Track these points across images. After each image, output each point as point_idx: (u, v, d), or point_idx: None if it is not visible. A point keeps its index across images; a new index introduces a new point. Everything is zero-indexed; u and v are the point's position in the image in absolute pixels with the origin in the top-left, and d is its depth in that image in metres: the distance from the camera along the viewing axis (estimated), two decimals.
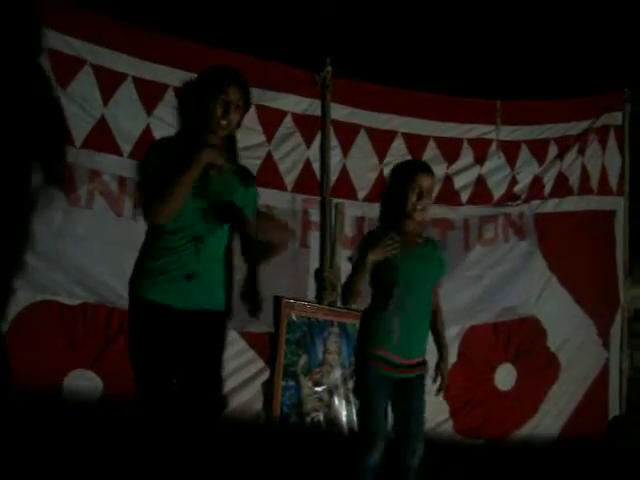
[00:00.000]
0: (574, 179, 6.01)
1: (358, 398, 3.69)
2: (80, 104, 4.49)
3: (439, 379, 3.65)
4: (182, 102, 3.33)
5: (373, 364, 3.49)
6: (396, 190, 3.56)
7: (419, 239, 3.60)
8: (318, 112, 5.18)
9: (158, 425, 3.12)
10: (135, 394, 3.16)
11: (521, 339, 5.75)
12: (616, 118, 6.09)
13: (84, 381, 4.40)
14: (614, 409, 5.95)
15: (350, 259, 3.76)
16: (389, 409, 3.55)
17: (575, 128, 5.97)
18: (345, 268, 5.24)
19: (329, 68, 5.12)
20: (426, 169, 3.62)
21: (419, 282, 3.52)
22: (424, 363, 3.59)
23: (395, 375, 3.50)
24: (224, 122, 3.10)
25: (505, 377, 5.67)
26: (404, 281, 3.48)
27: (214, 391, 3.16)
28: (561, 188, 5.98)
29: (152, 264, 3.10)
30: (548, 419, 5.73)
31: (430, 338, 3.67)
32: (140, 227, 4.51)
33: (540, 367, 5.77)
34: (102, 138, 4.53)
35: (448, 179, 5.65)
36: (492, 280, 5.65)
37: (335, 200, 5.30)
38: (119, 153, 4.57)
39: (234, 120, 3.14)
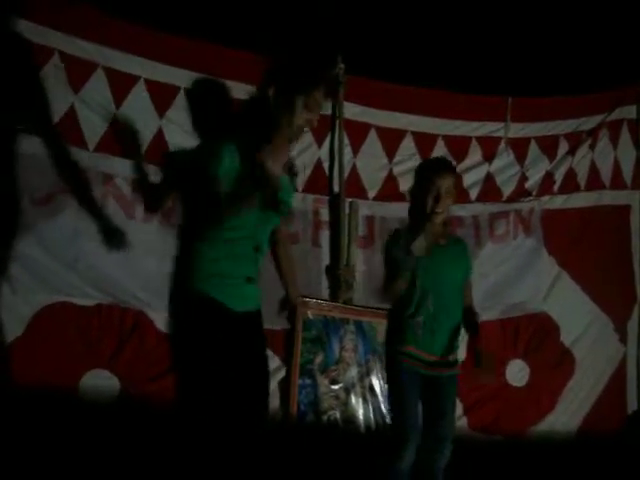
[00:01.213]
0: (582, 175, 5.98)
1: (390, 396, 3.71)
2: (93, 108, 4.53)
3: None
4: None
5: (401, 360, 3.50)
6: (416, 192, 3.59)
7: (442, 240, 3.58)
8: (328, 111, 5.18)
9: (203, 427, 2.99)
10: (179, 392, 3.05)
11: (531, 335, 5.73)
12: (629, 112, 6.05)
13: (101, 380, 4.45)
14: (632, 404, 5.90)
15: (386, 261, 3.59)
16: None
17: (586, 123, 5.94)
18: (359, 268, 5.27)
19: (341, 66, 5.13)
20: (443, 169, 3.60)
21: (441, 282, 3.52)
22: (456, 363, 3.58)
23: (424, 371, 3.50)
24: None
25: (517, 373, 5.65)
26: (426, 281, 3.49)
27: (264, 392, 3.16)
28: (569, 184, 5.96)
29: (214, 269, 3.00)
30: (566, 415, 5.70)
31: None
32: (152, 229, 4.62)
33: (554, 363, 5.74)
34: (114, 141, 4.55)
35: (457, 177, 5.62)
36: (498, 277, 5.64)
37: (349, 199, 5.30)
38: None
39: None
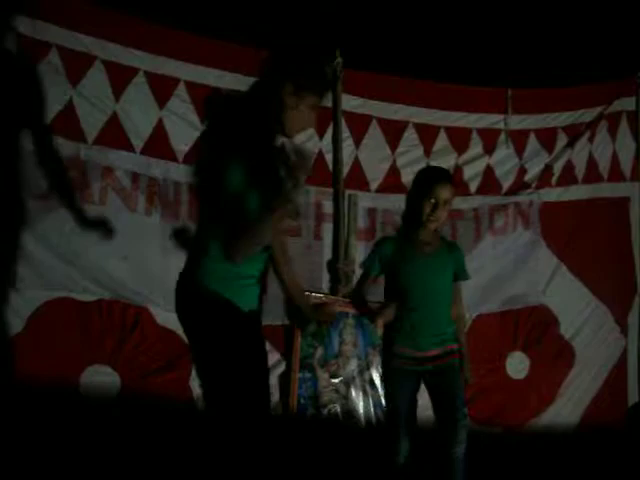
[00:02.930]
0: (580, 168, 5.96)
1: (384, 395, 3.89)
2: (91, 101, 4.50)
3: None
4: None
5: (393, 361, 3.63)
6: (413, 198, 3.63)
7: (431, 247, 3.65)
8: (329, 103, 5.15)
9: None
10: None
11: (530, 327, 5.72)
12: (629, 103, 6.02)
13: (101, 376, 4.42)
14: (633, 396, 5.91)
15: (363, 264, 3.81)
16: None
17: (585, 116, 5.92)
18: (357, 262, 5.26)
19: (339, 59, 5.11)
20: (444, 180, 3.63)
21: (425, 287, 3.60)
22: (452, 352, 3.64)
23: (419, 368, 3.59)
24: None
25: (517, 365, 5.65)
26: (409, 286, 3.60)
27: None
28: (567, 177, 5.94)
29: (228, 270, 2.83)
30: (567, 407, 5.70)
31: None
32: (153, 222, 4.61)
33: (554, 355, 5.74)
34: (114, 134, 4.54)
35: (457, 170, 5.62)
36: (498, 269, 5.64)
37: (348, 192, 5.29)
38: (131, 149, 4.59)
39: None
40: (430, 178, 3.63)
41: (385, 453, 3.61)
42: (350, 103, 5.28)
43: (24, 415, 3.97)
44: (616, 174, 6.04)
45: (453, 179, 3.82)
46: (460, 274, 3.74)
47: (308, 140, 5.11)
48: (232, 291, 2.84)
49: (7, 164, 4.01)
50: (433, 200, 3.53)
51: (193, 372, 4.56)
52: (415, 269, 3.59)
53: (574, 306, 5.81)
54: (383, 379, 3.84)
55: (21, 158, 4.11)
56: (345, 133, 5.27)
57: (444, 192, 3.55)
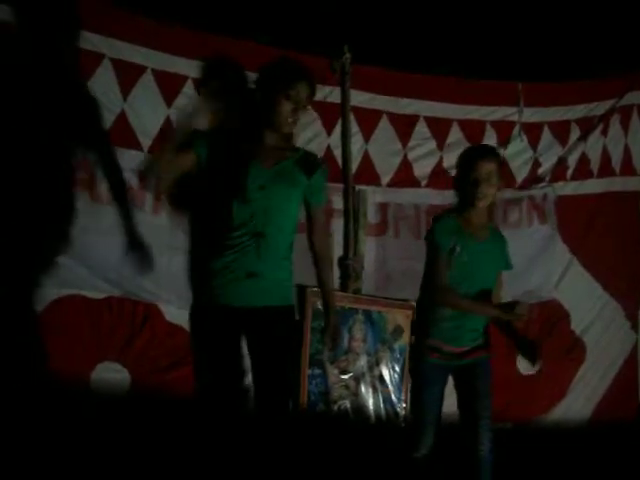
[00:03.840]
0: (595, 161, 5.94)
1: (412, 391, 3.76)
2: (100, 100, 4.51)
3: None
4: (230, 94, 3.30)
5: (426, 354, 3.52)
6: (457, 179, 3.56)
7: (482, 232, 3.54)
8: (338, 99, 5.14)
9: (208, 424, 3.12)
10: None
11: (542, 323, 5.69)
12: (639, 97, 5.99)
13: (112, 373, 4.46)
14: None
15: (432, 241, 3.54)
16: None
17: (598, 109, 5.89)
18: (369, 257, 5.25)
19: (347, 55, 5.08)
20: (482, 155, 3.53)
21: (472, 274, 3.49)
22: (484, 347, 3.57)
23: (452, 363, 3.52)
24: (291, 120, 3.13)
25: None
26: (456, 272, 3.47)
27: (280, 388, 3.18)
28: (582, 170, 5.92)
29: (212, 265, 3.08)
30: (578, 403, 5.70)
31: None
32: (161, 221, 4.62)
33: (564, 350, 5.73)
34: (122, 134, 4.56)
35: (501, 163, 5.58)
36: (513, 264, 5.58)
37: (358, 187, 5.27)
38: (139, 148, 4.61)
39: (299, 118, 3.16)
40: (468, 156, 3.56)
41: (406, 447, 3.54)
42: (359, 98, 5.26)
43: (34, 412, 4.01)
44: (628, 168, 6.02)
45: (497, 153, 3.71)
46: (506, 264, 3.68)
47: (316, 136, 5.13)
48: (215, 289, 3.11)
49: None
50: (475, 176, 3.43)
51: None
52: (472, 252, 3.45)
53: (585, 301, 5.79)
54: (412, 372, 3.71)
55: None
56: (354, 129, 5.25)
57: (485, 166, 3.44)
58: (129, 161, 4.54)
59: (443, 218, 3.55)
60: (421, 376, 3.57)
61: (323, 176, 3.32)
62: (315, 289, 4.89)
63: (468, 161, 3.51)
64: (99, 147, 4.15)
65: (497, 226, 3.88)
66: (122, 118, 4.56)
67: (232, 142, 3.14)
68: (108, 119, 4.51)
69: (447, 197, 3.62)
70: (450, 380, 3.62)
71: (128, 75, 4.61)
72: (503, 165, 5.62)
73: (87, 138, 4.10)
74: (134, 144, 4.60)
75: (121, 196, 4.15)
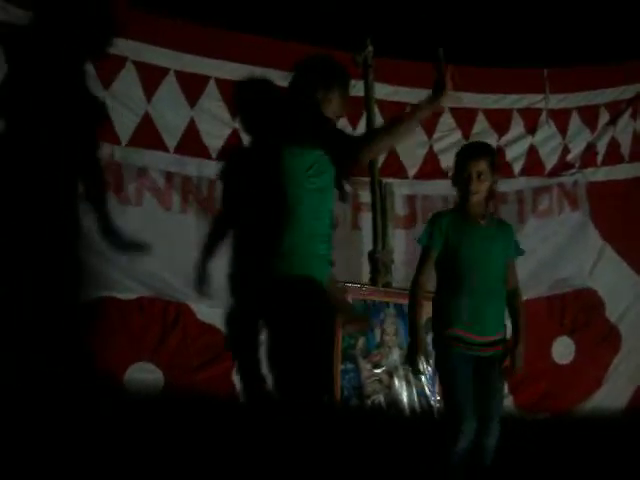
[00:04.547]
0: (625, 146, 5.85)
1: (441, 382, 3.73)
2: (124, 102, 4.57)
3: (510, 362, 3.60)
4: None
5: (450, 344, 3.50)
6: (454, 176, 3.66)
7: (482, 220, 3.59)
8: (361, 92, 5.11)
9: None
10: None
11: (577, 311, 5.65)
12: None
13: (145, 374, 4.50)
14: None
15: (420, 241, 3.67)
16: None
17: (626, 92, 5.81)
18: (399, 249, 5.23)
19: (370, 48, 5.05)
20: (474, 153, 3.62)
21: (481, 261, 3.52)
22: (504, 341, 3.57)
23: (474, 353, 3.49)
24: None
25: (563, 350, 5.57)
26: (465, 261, 3.52)
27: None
28: (613, 155, 5.84)
29: (320, 249, 3.32)
30: (614, 392, 5.61)
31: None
32: (189, 220, 4.65)
33: (600, 339, 5.66)
34: (148, 135, 4.61)
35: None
36: (545, 253, 5.54)
37: (385, 180, 5.25)
38: (165, 149, 4.66)
39: None
40: (462, 155, 3.65)
41: (443, 441, 3.44)
42: (383, 91, 5.24)
43: (71, 414, 4.05)
44: None
45: (488, 150, 3.72)
46: (513, 251, 3.68)
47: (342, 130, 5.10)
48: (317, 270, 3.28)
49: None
50: (466, 174, 3.54)
51: (235, 366, 4.63)
52: (475, 240, 3.53)
53: (620, 288, 5.70)
54: (437, 364, 3.65)
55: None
56: (378, 121, 5.21)
57: (476, 165, 3.54)
58: (156, 162, 4.61)
59: (434, 217, 3.68)
60: (448, 364, 3.51)
61: None
62: (346, 284, 4.90)
63: (460, 161, 3.63)
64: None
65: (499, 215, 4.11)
66: (147, 120, 4.60)
67: None
68: (133, 121, 4.57)
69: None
70: None
71: (151, 77, 4.66)
72: (532, 152, 5.65)
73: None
74: (160, 145, 4.63)
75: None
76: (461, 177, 3.58)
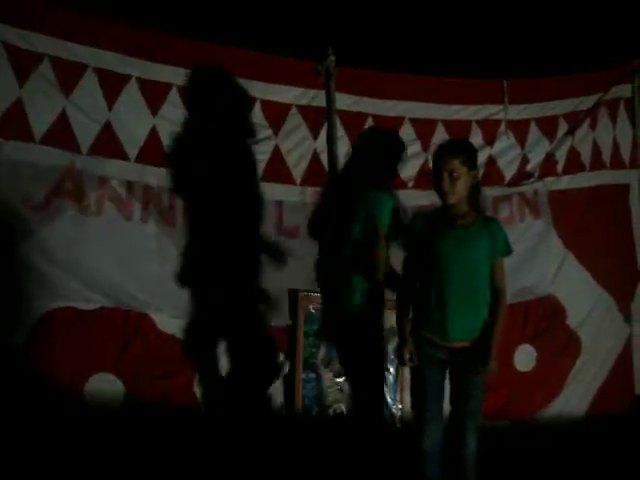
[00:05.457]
0: (586, 155, 5.92)
1: (410, 379, 3.67)
2: (85, 111, 4.52)
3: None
4: None
5: (419, 345, 3.49)
6: (432, 177, 3.59)
7: (463, 221, 3.53)
8: (323, 103, 5.14)
9: None
10: None
11: (539, 319, 5.69)
12: (626, 90, 5.96)
13: (106, 384, 4.44)
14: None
15: (399, 241, 3.72)
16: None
17: (584, 103, 5.88)
18: None
19: (332, 57, 5.07)
20: (443, 154, 3.56)
21: (455, 263, 3.46)
22: (475, 347, 3.46)
23: (441, 356, 3.47)
24: None
25: (525, 358, 5.61)
26: (437, 263, 3.47)
27: None
28: (573, 164, 5.90)
29: None
30: (574, 398, 5.66)
31: None
32: (150, 229, 4.62)
33: (560, 346, 5.70)
34: (108, 144, 4.56)
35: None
36: (508, 261, 5.53)
37: None
38: (126, 158, 4.61)
39: None
40: (434, 155, 3.61)
41: (412, 441, 3.47)
42: (344, 101, 5.25)
43: (30, 424, 4.00)
44: (617, 161, 5.99)
45: (461, 148, 3.66)
46: (499, 249, 3.57)
47: (302, 141, 5.13)
48: None
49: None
50: (439, 174, 3.49)
51: (197, 377, 4.61)
52: (449, 241, 3.47)
53: (580, 295, 5.75)
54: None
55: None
56: (340, 132, 5.23)
57: (447, 163, 3.49)
58: (116, 171, 4.57)
59: (412, 219, 3.70)
60: (416, 367, 3.53)
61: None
62: (307, 293, 4.91)
63: (433, 161, 3.59)
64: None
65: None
66: (107, 128, 4.56)
67: None
68: (94, 129, 4.52)
69: (434, 197, 3.62)
70: None
71: (113, 85, 4.61)
72: (490, 163, 5.70)
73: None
74: (120, 154, 4.59)
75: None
76: (435, 178, 3.52)
